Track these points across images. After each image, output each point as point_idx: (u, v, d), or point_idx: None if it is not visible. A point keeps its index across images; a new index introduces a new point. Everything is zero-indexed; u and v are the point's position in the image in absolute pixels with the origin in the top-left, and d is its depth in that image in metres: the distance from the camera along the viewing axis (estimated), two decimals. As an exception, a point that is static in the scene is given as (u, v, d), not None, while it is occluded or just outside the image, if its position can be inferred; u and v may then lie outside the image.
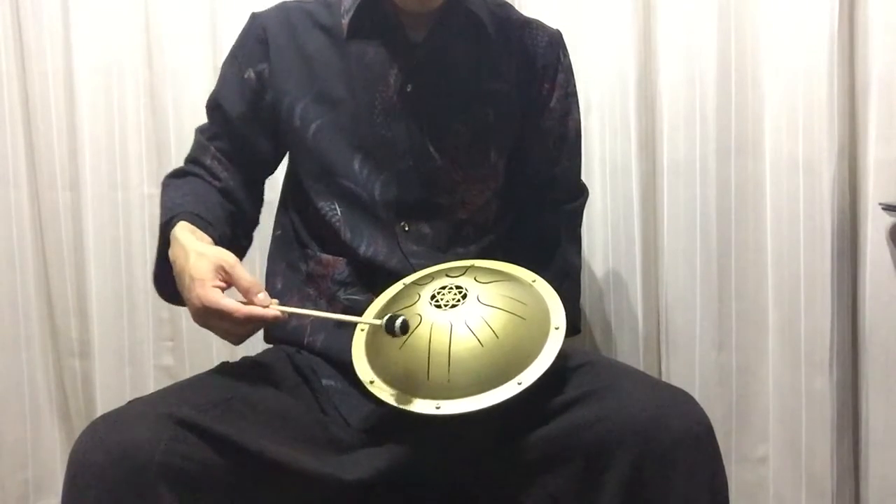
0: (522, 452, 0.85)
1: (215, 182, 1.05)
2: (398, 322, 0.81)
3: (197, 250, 0.88)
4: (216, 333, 0.88)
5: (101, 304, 1.50)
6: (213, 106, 1.09)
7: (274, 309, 0.85)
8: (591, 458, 0.82)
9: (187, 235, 0.92)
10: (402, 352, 0.84)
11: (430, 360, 0.83)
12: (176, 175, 1.08)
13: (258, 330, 0.90)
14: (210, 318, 0.85)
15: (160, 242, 0.97)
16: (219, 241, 0.96)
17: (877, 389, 1.22)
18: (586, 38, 1.35)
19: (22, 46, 1.47)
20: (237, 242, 1.05)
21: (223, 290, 0.86)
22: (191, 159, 1.09)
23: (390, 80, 1.02)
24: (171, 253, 0.93)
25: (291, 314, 0.92)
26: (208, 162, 1.06)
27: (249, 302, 0.85)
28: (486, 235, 1.08)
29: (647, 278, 1.36)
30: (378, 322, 0.83)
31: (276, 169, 1.13)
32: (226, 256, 0.88)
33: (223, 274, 0.86)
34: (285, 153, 1.12)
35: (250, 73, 1.05)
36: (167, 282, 0.94)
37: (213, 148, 1.07)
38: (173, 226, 0.94)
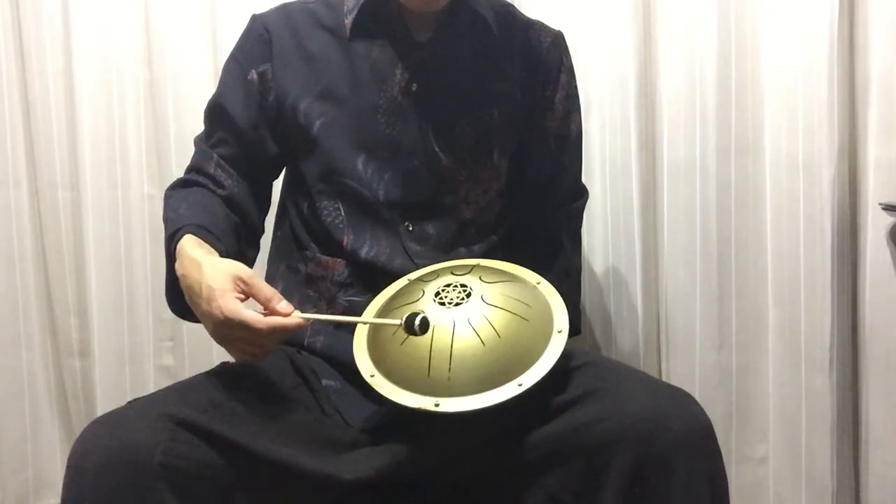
0: (522, 452, 0.85)
1: (220, 191, 1.02)
2: (417, 321, 0.81)
3: (210, 262, 0.85)
4: (235, 350, 0.85)
5: (101, 304, 1.50)
6: (216, 110, 1.06)
7: (295, 317, 0.82)
8: (592, 458, 0.82)
9: (196, 249, 0.88)
10: (404, 348, 0.84)
11: (431, 356, 0.83)
12: (178, 185, 1.04)
13: (280, 341, 0.86)
14: (231, 330, 0.81)
15: (167, 257, 0.94)
16: (226, 255, 0.92)
17: (877, 389, 1.22)
18: (586, 39, 1.34)
19: (22, 46, 1.47)
20: (244, 254, 1.02)
21: (241, 301, 0.82)
22: (193, 168, 1.06)
23: (395, 79, 1.02)
24: (178, 267, 0.89)
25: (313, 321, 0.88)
26: (212, 170, 1.03)
27: (271, 312, 0.82)
28: (488, 236, 1.07)
29: (647, 278, 1.36)
30: (397, 322, 0.82)
31: (281, 172, 1.12)
32: (242, 267, 0.85)
33: (241, 285, 0.83)
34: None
35: (253, 75, 1.04)
36: (179, 297, 0.90)
37: (216, 155, 1.04)
38: (178, 239, 0.91)
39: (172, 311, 0.96)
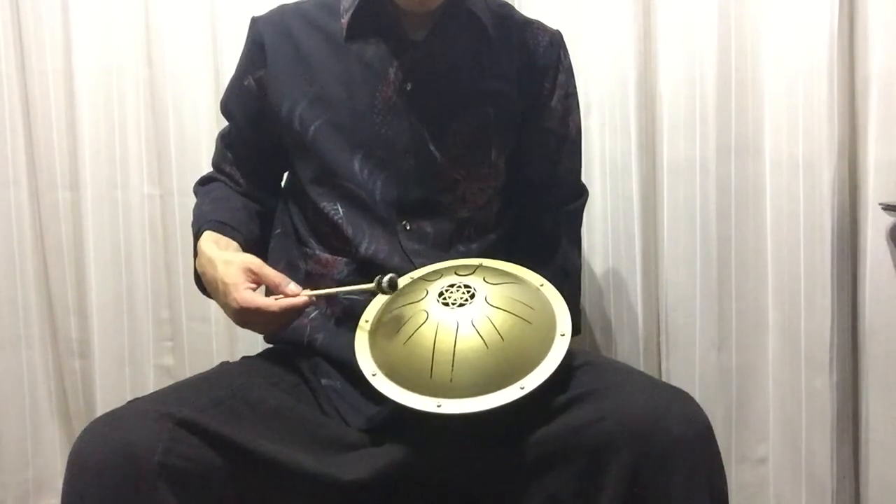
0: (522, 452, 0.85)
1: (237, 188, 1.12)
2: (385, 280, 0.88)
3: (223, 259, 0.95)
4: (257, 330, 0.96)
5: (101, 304, 1.50)
6: (224, 110, 1.14)
7: (303, 296, 0.90)
8: (591, 458, 0.82)
9: (210, 246, 0.98)
10: (406, 347, 0.84)
11: (434, 357, 0.83)
12: (203, 182, 1.15)
13: (296, 317, 0.95)
14: (249, 316, 0.90)
15: (194, 253, 1.04)
16: (246, 242, 1.03)
17: (877, 389, 1.22)
18: (586, 38, 1.35)
19: (22, 46, 1.47)
20: (266, 238, 1.11)
21: (254, 289, 0.91)
22: (214, 165, 1.16)
23: (390, 78, 1.02)
24: (198, 264, 1.00)
25: (320, 296, 0.97)
26: (228, 168, 1.13)
27: (281, 294, 0.90)
28: (487, 234, 1.07)
29: (647, 278, 1.36)
30: (370, 286, 0.90)
31: (287, 167, 1.14)
32: (251, 259, 0.94)
33: (252, 275, 0.92)
34: None
35: (249, 81, 1.07)
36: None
37: (229, 154, 1.13)
38: (199, 237, 1.01)
39: (204, 294, 1.04)
